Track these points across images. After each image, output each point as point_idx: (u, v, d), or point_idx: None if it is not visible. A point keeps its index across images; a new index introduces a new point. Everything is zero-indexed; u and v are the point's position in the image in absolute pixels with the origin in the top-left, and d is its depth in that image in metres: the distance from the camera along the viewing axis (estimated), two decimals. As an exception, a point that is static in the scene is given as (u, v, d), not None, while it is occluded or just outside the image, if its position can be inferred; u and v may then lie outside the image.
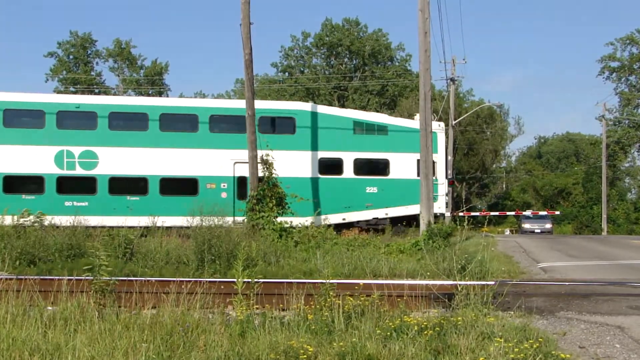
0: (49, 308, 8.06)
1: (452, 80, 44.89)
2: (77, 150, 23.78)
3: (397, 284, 10.40)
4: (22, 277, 9.94)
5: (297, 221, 20.79)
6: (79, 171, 23.79)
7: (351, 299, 8.29)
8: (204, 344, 6.59)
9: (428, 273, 11.83)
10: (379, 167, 25.74)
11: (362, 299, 8.25)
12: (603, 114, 56.44)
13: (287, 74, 62.68)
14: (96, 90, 57.82)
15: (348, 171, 25.44)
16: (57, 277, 10.40)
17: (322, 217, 24.05)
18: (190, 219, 17.01)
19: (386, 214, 25.65)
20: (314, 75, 60.50)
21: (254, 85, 24.88)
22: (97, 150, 23.94)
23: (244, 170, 22.83)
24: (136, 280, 9.58)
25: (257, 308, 8.19)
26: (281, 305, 8.94)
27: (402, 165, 25.71)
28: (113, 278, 8.53)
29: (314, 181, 25.04)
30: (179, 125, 24.87)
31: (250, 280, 8.45)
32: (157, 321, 7.19)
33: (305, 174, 24.90)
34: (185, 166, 24.23)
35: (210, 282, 9.98)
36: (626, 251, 19.85)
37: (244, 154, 21.94)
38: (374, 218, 25.70)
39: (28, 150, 23.49)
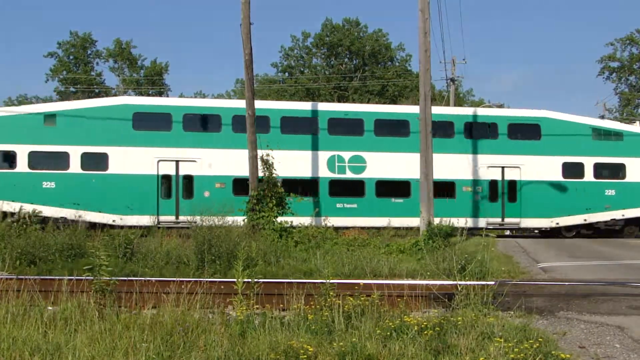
0: (49, 308, 8.06)
1: (452, 80, 44.87)
2: (347, 155, 25.24)
3: (397, 284, 10.40)
4: (23, 277, 9.95)
5: (538, 223, 25.14)
6: (348, 175, 25.22)
7: (351, 299, 8.29)
8: (204, 344, 6.60)
9: (428, 273, 11.84)
10: (616, 171, 27.00)
11: (362, 299, 8.25)
12: (603, 114, 56.39)
13: (287, 74, 62.67)
14: (96, 91, 57.84)
15: (589, 175, 26.69)
16: (57, 277, 10.40)
17: (565, 218, 26.25)
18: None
19: (622, 215, 26.86)
20: (314, 75, 60.48)
21: (254, 85, 24.90)
22: (364, 155, 25.37)
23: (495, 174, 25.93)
24: (136, 280, 9.59)
25: (257, 308, 8.19)
26: (281, 305, 8.94)
27: (637, 169, 27.01)
28: (113, 278, 8.53)
29: (559, 184, 26.49)
30: (439, 132, 25.92)
31: (250, 280, 8.45)
32: (157, 321, 7.19)
33: (551, 178, 26.34)
34: (444, 170, 25.15)
35: (210, 282, 9.99)
36: (626, 251, 19.85)
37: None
38: (612, 219, 26.86)
39: (301, 155, 24.98)
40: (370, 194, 25.23)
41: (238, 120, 23.98)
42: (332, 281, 8.67)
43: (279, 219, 20.03)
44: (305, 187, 24.44)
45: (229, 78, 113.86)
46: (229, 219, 17.63)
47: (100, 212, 23.32)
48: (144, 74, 61.64)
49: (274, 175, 21.31)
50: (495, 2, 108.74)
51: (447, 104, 44.89)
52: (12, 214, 18.59)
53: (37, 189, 23.02)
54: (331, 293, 8.29)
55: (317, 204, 24.35)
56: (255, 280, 8.61)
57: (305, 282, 10.40)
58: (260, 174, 21.12)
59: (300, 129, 25.47)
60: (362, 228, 23.27)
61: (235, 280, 8.32)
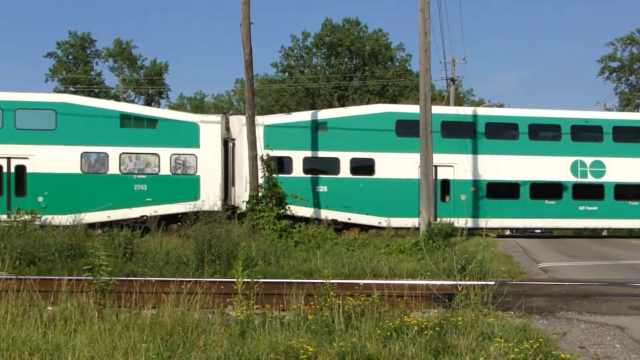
0: (49, 308, 8.06)
1: (452, 80, 44.88)
2: (588, 161, 26.02)
3: (397, 284, 10.40)
4: (22, 277, 9.93)
5: None
6: (590, 179, 26.00)
7: (351, 299, 8.29)
8: (204, 344, 6.59)
9: (428, 273, 11.83)
10: None
11: (362, 299, 8.24)
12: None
13: (287, 74, 62.65)
14: (96, 90, 57.83)
15: None
16: (57, 277, 10.39)
17: None
18: None
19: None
20: (314, 75, 60.45)
21: (254, 85, 24.92)
22: (604, 160, 26.11)
23: None
24: (136, 280, 9.59)
25: (257, 308, 8.19)
26: (281, 305, 8.93)
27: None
28: (113, 278, 8.52)
29: None
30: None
31: (250, 280, 8.45)
32: (157, 321, 7.18)
33: None
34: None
35: (210, 282, 9.98)
36: (626, 251, 19.85)
37: None
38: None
39: (547, 160, 25.88)
40: (609, 197, 26.14)
41: (491, 127, 25.78)
42: (332, 281, 8.66)
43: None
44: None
45: (229, 78, 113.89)
46: None
47: (367, 214, 24.60)
48: (143, 73, 61.63)
49: (274, 175, 21.34)
50: (495, 2, 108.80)
51: (448, 104, 44.90)
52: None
53: (312, 192, 24.35)
54: (331, 293, 8.28)
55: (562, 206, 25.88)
56: (255, 280, 8.60)
57: (305, 282, 10.40)
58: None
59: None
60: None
61: (235, 280, 8.31)
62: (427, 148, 20.49)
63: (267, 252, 15.11)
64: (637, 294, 10.58)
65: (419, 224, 20.82)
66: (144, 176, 23.91)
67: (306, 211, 23.45)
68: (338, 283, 9.77)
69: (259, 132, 23.37)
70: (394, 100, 58.69)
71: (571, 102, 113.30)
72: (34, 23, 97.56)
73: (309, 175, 24.52)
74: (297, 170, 24.50)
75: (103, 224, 22.47)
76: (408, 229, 23.15)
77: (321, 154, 24.76)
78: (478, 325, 7.35)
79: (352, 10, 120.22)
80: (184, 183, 24.06)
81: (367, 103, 57.49)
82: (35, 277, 10.32)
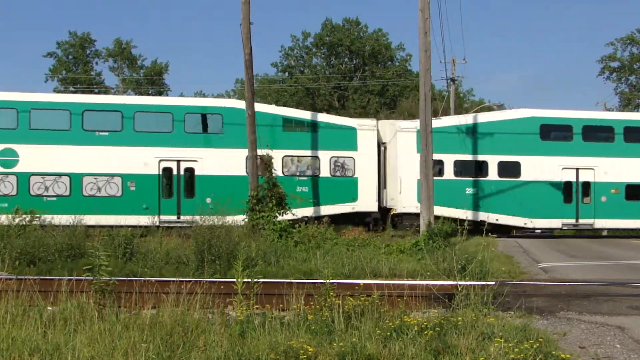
0: (49, 308, 8.05)
1: (453, 80, 44.86)
2: None
3: (397, 284, 10.39)
4: (22, 277, 9.93)
5: None
6: None
7: (351, 299, 8.28)
8: (203, 344, 6.59)
9: (428, 273, 11.83)
10: None
11: (362, 299, 8.24)
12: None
13: (287, 73, 62.66)
14: (96, 90, 57.83)
15: None
16: (57, 277, 10.40)
17: None
18: None
19: None
20: (314, 75, 60.46)
21: (254, 85, 24.93)
22: None
23: None
24: (136, 280, 9.59)
25: (257, 308, 8.18)
26: (281, 306, 8.92)
27: None
28: (113, 278, 8.52)
29: None
30: None
31: (250, 280, 8.44)
32: (157, 321, 7.18)
33: None
34: None
35: (210, 282, 9.98)
36: (626, 251, 19.85)
37: None
38: None
39: None
40: None
41: (630, 130, 26.45)
42: (332, 281, 8.66)
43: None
44: None
45: (229, 78, 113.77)
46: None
47: (514, 215, 25.71)
48: (143, 73, 61.63)
49: (274, 175, 21.33)
50: (495, 2, 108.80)
51: (448, 104, 44.88)
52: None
53: (462, 195, 25.39)
54: (331, 293, 8.28)
55: None
56: (255, 280, 8.60)
57: (305, 282, 10.40)
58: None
59: None
60: None
61: (235, 280, 8.31)
62: (427, 148, 20.48)
63: (267, 252, 15.11)
64: (637, 294, 10.58)
65: (561, 225, 22.63)
66: (305, 178, 25.03)
67: (458, 213, 23.92)
68: (338, 283, 9.76)
69: (412, 137, 24.69)
70: (394, 100, 58.71)
71: (571, 102, 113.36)
72: (34, 23, 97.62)
73: (460, 178, 25.56)
74: (449, 173, 25.54)
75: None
76: (552, 229, 24.80)
77: (470, 157, 25.76)
78: (478, 325, 7.34)
79: (352, 10, 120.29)
80: (343, 185, 25.31)
81: (367, 103, 57.55)
82: (35, 277, 10.32)
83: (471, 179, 25.66)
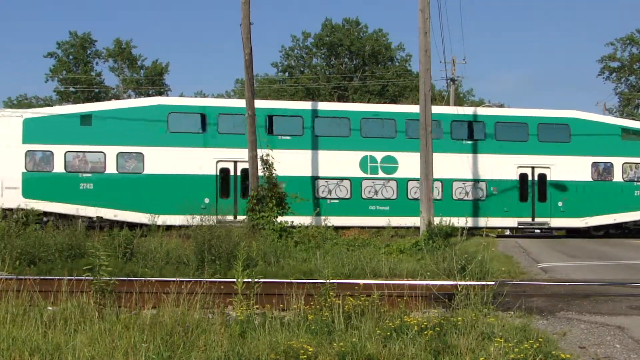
0: (49, 308, 8.06)
1: (452, 80, 44.87)
2: None
3: (397, 284, 10.38)
4: (22, 277, 9.94)
5: None
6: None
7: (351, 299, 8.29)
8: (204, 344, 6.59)
9: (428, 273, 11.83)
10: None
11: (362, 299, 8.25)
12: (603, 114, 56.43)
13: (287, 74, 62.65)
14: (96, 90, 57.82)
15: None
16: (57, 277, 10.40)
17: None
18: None
19: None
20: (314, 75, 60.45)
21: (254, 85, 24.93)
22: None
23: None
24: (136, 280, 9.59)
25: (257, 308, 8.19)
26: (281, 306, 8.93)
27: None
28: (113, 278, 8.52)
29: None
30: None
31: (250, 280, 8.45)
32: (157, 321, 7.18)
33: None
34: None
35: (210, 282, 9.98)
36: (626, 251, 19.85)
37: None
38: None
39: None
40: None
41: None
42: (332, 281, 8.66)
43: None
44: None
45: (229, 78, 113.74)
46: None
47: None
48: (144, 74, 61.62)
49: (274, 175, 21.32)
50: (495, 2, 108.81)
51: (448, 104, 44.88)
52: None
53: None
54: (331, 293, 8.28)
55: None
56: (255, 280, 8.60)
57: (305, 282, 10.40)
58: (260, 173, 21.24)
59: None
60: None
61: (235, 280, 8.31)
62: (427, 148, 20.48)
63: (267, 252, 15.11)
64: (637, 294, 10.58)
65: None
66: None
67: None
68: (338, 283, 9.76)
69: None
70: (393, 101, 58.71)
71: (571, 102, 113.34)
72: (34, 23, 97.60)
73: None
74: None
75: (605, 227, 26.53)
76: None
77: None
78: (478, 325, 7.35)
79: (352, 10, 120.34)
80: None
81: (367, 103, 57.53)
82: (36, 277, 10.32)
83: None
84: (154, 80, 60.34)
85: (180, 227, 20.54)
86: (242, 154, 22.78)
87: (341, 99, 57.19)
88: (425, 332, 7.05)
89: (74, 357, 6.22)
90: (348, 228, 24.44)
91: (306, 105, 27.69)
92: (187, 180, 23.89)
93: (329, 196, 24.76)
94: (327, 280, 8.54)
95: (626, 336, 7.74)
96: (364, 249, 17.14)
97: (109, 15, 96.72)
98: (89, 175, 23.51)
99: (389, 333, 7.06)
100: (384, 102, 58.68)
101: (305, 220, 21.44)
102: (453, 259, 11.21)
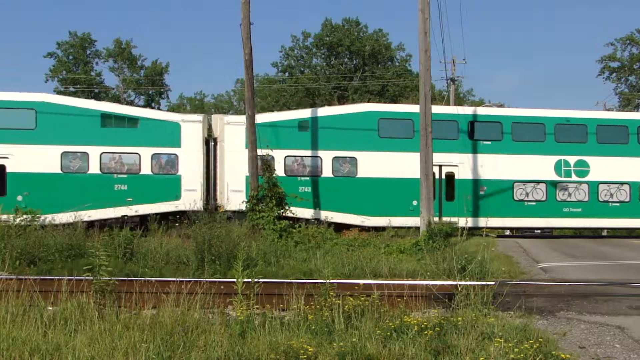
0: (49, 308, 8.06)
1: (452, 80, 44.89)
2: None
3: (397, 284, 10.38)
4: (22, 277, 9.93)
5: None
6: None
7: (351, 299, 8.29)
8: (204, 344, 6.59)
9: (428, 273, 11.83)
10: None
11: (362, 299, 8.25)
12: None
13: (287, 74, 62.66)
14: (96, 90, 57.81)
15: None
16: (57, 277, 10.39)
17: None
18: None
19: None
20: (314, 75, 60.46)
21: (254, 85, 24.93)
22: None
23: None
24: (136, 280, 9.59)
25: (257, 308, 8.19)
26: (281, 306, 8.93)
27: None
28: (113, 278, 8.52)
29: None
30: None
31: (250, 280, 8.44)
32: (157, 321, 7.18)
33: None
34: None
35: (210, 282, 9.98)
36: (626, 251, 19.84)
37: None
38: None
39: None
40: None
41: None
42: (332, 281, 8.67)
43: None
44: None
45: (229, 78, 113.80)
46: None
47: None
48: (144, 74, 61.62)
49: (274, 175, 21.33)
50: (495, 2, 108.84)
51: (448, 104, 44.88)
52: None
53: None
54: (331, 293, 8.28)
55: None
56: (255, 280, 8.60)
57: (305, 282, 10.40)
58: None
59: None
60: None
61: (235, 280, 8.31)
62: (427, 148, 20.49)
63: (267, 252, 15.11)
64: (637, 294, 10.58)
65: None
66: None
67: None
68: (338, 283, 9.76)
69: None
70: (393, 101, 58.70)
71: (571, 102, 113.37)
72: (34, 23, 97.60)
73: None
74: None
75: None
76: None
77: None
78: (478, 325, 7.35)
79: (352, 10, 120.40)
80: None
81: (367, 103, 57.51)
82: (35, 277, 10.31)
83: None
84: (153, 80, 60.35)
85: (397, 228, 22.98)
86: (447, 158, 24.57)
87: (341, 99, 57.20)
88: (425, 332, 7.05)
89: (74, 357, 6.22)
90: (545, 229, 26.30)
91: (505, 111, 28.46)
92: (397, 183, 24.68)
93: (525, 199, 25.52)
94: (327, 280, 8.54)
95: (626, 336, 7.74)
96: (363, 249, 17.14)
97: (109, 15, 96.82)
98: (307, 178, 24.58)
99: (389, 333, 7.06)
100: (384, 102, 58.73)
101: (504, 222, 24.65)
102: (453, 259, 11.20)
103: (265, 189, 21.05)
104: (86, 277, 8.74)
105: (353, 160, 24.71)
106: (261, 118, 24.27)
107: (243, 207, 22.02)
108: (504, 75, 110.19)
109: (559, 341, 7.43)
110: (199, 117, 24.83)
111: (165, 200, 23.43)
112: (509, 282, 10.68)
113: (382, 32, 61.50)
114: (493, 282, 10.10)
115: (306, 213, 23.68)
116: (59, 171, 23.19)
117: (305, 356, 6.29)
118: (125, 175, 23.40)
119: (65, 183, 23.12)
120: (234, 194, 23.61)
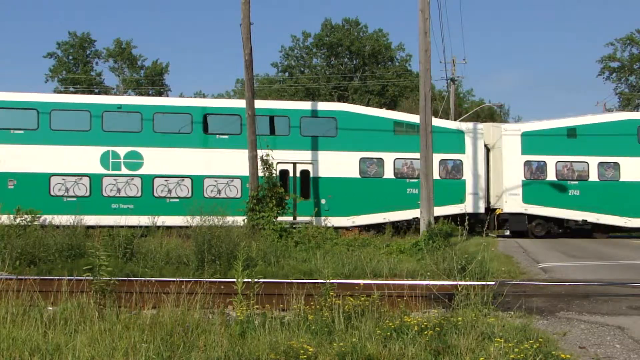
0: (49, 308, 8.06)
1: (452, 80, 44.86)
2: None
3: (397, 284, 10.38)
4: (22, 277, 9.93)
5: None
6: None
7: (351, 299, 8.29)
8: (204, 344, 6.59)
9: (428, 273, 11.82)
10: None
11: (362, 299, 8.24)
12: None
13: (287, 74, 62.68)
14: (96, 91, 57.80)
15: None
16: (57, 277, 10.39)
17: None
18: None
19: None
20: (314, 75, 60.49)
21: (254, 85, 24.94)
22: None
23: None
24: (136, 280, 9.59)
25: (257, 308, 8.18)
26: (281, 306, 8.93)
27: None
28: (113, 278, 8.52)
29: None
30: None
31: (250, 280, 8.44)
32: (157, 321, 7.18)
33: None
34: None
35: (210, 282, 9.98)
36: (626, 251, 19.84)
37: None
38: None
39: None
40: None
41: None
42: (332, 281, 8.66)
43: None
44: None
45: (229, 78, 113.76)
46: None
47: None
48: (144, 74, 61.63)
49: (273, 175, 21.33)
50: (495, 1, 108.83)
51: (448, 104, 44.90)
52: None
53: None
54: (331, 293, 8.28)
55: None
56: (255, 280, 8.60)
57: (305, 283, 10.39)
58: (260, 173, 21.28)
59: None
60: None
61: (235, 280, 8.31)
62: (427, 148, 20.48)
63: (267, 252, 15.10)
64: (637, 294, 10.58)
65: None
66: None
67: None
68: (338, 283, 9.76)
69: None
70: (394, 101, 58.68)
71: (571, 102, 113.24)
72: (34, 23, 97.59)
73: None
74: None
75: None
76: None
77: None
78: (478, 326, 7.34)
79: (352, 11, 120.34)
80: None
81: (367, 103, 57.57)
82: (36, 277, 10.31)
83: None
84: (154, 80, 60.36)
85: None
86: None
87: (341, 99, 57.21)
88: (425, 332, 7.05)
89: (74, 357, 6.22)
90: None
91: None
92: None
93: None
94: (327, 280, 8.54)
95: (626, 336, 7.74)
96: (364, 249, 17.13)
97: (109, 15, 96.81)
98: (575, 182, 26.16)
99: (389, 333, 7.06)
100: (384, 102, 58.75)
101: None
102: (453, 259, 11.19)
103: (265, 189, 21.00)
104: (86, 277, 8.73)
105: (616, 165, 26.31)
106: (533, 126, 26.56)
107: (521, 209, 25.31)
108: (504, 75, 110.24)
109: (559, 341, 7.43)
110: (481, 125, 26.97)
111: (452, 204, 25.24)
112: (509, 282, 10.68)
113: (382, 32, 61.60)
114: (493, 282, 10.10)
115: (576, 215, 25.86)
116: (358, 176, 25.03)
117: (305, 356, 6.29)
118: (416, 180, 24.38)
119: (363, 187, 25.04)
120: (511, 197, 25.83)
